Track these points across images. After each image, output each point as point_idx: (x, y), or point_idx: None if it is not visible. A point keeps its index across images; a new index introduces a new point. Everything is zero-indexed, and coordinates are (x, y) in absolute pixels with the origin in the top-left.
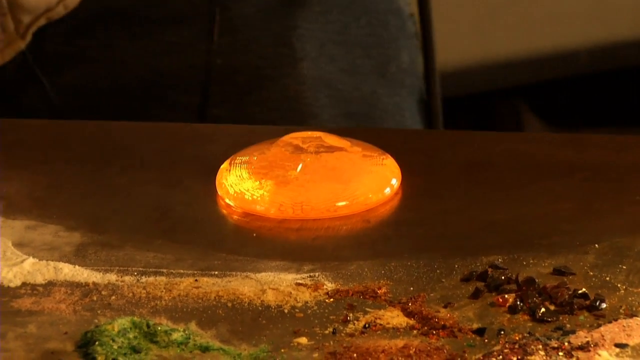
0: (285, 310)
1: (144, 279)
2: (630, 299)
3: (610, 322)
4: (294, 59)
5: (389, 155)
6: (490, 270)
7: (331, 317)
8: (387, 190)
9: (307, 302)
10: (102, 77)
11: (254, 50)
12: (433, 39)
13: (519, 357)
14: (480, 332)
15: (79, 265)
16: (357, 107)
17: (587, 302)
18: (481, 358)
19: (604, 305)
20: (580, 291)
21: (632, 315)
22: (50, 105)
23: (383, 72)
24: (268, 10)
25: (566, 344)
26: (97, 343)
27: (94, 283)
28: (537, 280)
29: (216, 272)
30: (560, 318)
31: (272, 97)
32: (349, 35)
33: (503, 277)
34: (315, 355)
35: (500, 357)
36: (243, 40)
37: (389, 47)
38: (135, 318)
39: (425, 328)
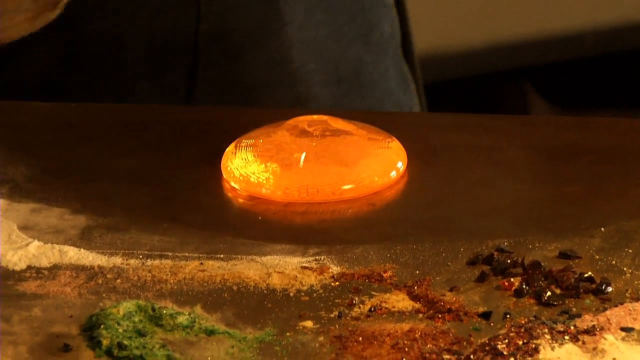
0: (291, 294)
1: (149, 262)
2: (636, 282)
3: (616, 305)
4: (281, 23)
5: (395, 138)
6: (496, 253)
7: (337, 300)
8: (393, 174)
9: (312, 286)
10: (90, 42)
11: (242, 14)
12: (407, 17)
13: (525, 341)
14: (486, 315)
15: (84, 249)
16: (344, 73)
17: (593, 286)
18: (487, 342)
19: (609, 289)
20: (586, 275)
21: (638, 299)
22: (43, 68)
23: (367, 39)
24: None
25: (572, 327)
26: (102, 326)
27: (99, 266)
28: (543, 264)
29: (221, 256)
30: (566, 302)
31: (260, 61)
32: (333, 1)
33: (509, 261)
34: (321, 339)
35: (506, 341)
36: (230, 4)
37: (371, 14)
38: (140, 301)
39: (431, 312)
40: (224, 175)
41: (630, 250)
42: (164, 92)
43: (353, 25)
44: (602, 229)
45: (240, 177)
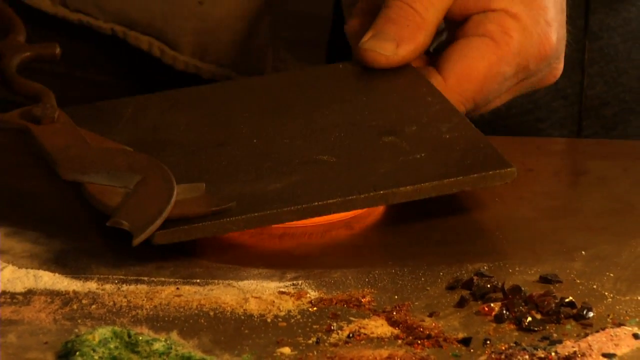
0: (268, 320)
1: (124, 287)
2: (617, 307)
3: (597, 331)
4: None
5: None
6: (475, 278)
7: (314, 326)
8: None
9: (290, 311)
10: None
11: (622, 82)
12: None
13: None
14: (465, 341)
15: (59, 273)
16: None
17: (574, 311)
18: None
19: (591, 314)
20: (567, 300)
21: (619, 324)
22: None
23: None
24: (635, 40)
25: (553, 354)
26: (77, 353)
27: (74, 291)
28: (523, 289)
29: (198, 280)
30: (547, 327)
31: (634, 133)
32: None
33: (489, 285)
34: None
35: None
36: (612, 72)
37: None
38: (116, 328)
39: (410, 338)
40: None
41: (611, 275)
42: None
43: None
44: (583, 252)
45: None
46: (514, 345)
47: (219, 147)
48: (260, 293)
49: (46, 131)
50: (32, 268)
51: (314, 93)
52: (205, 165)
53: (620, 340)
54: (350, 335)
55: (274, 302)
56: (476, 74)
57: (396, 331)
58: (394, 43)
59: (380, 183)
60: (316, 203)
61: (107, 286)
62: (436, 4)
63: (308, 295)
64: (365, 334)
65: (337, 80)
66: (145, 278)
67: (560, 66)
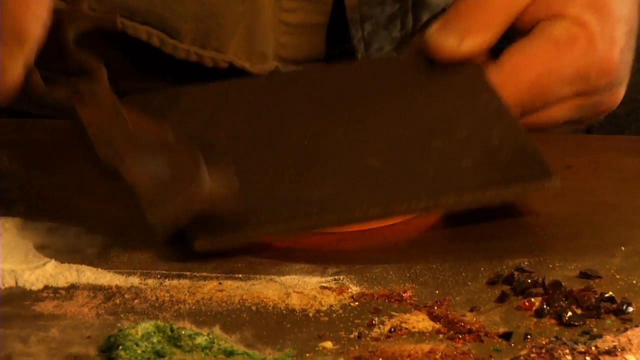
0: (310, 314)
1: (167, 282)
2: None
3: (637, 325)
4: None
5: None
6: (516, 273)
7: (356, 321)
8: None
9: (332, 306)
10: None
11: (635, 81)
12: None
13: None
14: (506, 336)
15: (101, 268)
16: None
17: (614, 306)
18: None
19: (631, 309)
20: (607, 295)
21: None
22: None
23: None
24: None
25: (593, 348)
26: (120, 347)
27: (116, 286)
28: (563, 284)
29: (240, 275)
30: (587, 322)
31: None
32: None
33: (529, 281)
34: (341, 359)
35: None
36: None
37: None
38: (158, 322)
39: (451, 332)
40: None
41: None
42: None
43: None
44: (623, 248)
45: None
46: (555, 339)
47: (267, 147)
48: (302, 288)
49: (89, 110)
50: (74, 263)
51: (369, 87)
52: (253, 167)
53: None
54: (392, 329)
55: (315, 297)
56: (533, 66)
57: (437, 326)
58: (459, 36)
59: (422, 193)
60: (356, 213)
61: (150, 281)
62: (510, 5)
63: (349, 290)
64: (406, 329)
65: (394, 74)
66: (188, 273)
67: (621, 93)
